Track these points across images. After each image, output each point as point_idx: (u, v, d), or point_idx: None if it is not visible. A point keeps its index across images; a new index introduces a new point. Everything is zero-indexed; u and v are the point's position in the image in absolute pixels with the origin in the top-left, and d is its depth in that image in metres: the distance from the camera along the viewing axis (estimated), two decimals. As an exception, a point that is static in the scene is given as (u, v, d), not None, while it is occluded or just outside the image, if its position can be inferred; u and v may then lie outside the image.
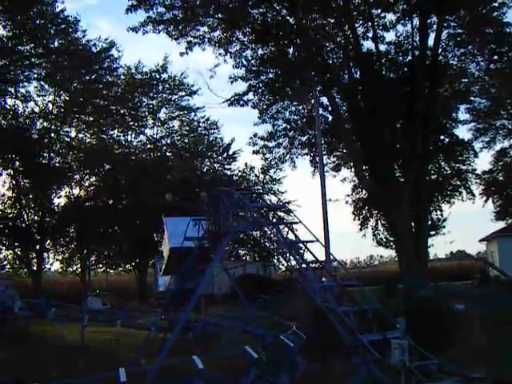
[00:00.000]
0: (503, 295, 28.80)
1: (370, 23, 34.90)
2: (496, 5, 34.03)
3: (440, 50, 35.54)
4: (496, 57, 36.84)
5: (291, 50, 34.90)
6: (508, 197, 63.84)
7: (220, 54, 34.80)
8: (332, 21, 34.67)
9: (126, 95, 55.17)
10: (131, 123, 58.82)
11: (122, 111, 56.75)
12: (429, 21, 34.47)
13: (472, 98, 46.47)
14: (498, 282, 43.23)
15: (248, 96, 35.95)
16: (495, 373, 11.68)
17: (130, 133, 59.97)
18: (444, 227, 47.54)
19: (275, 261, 52.02)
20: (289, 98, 37.04)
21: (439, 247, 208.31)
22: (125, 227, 56.12)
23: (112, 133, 59.16)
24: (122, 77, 56.07)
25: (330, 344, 13.94)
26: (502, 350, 15.33)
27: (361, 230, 48.44)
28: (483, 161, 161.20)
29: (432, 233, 45.13)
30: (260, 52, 34.83)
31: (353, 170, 40.67)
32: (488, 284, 43.54)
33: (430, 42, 34.77)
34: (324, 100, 35.91)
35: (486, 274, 48.75)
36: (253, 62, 34.93)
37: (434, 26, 34.49)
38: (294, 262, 15.07)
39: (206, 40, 34.68)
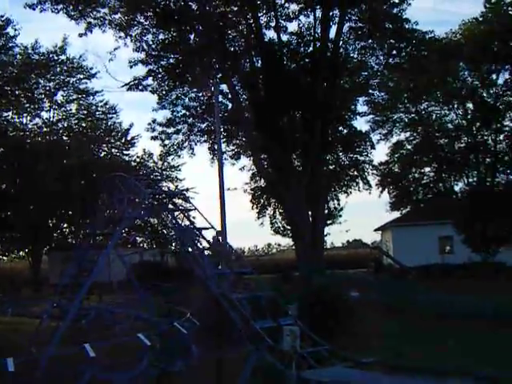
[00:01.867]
0: (396, 283, 29.60)
1: (273, 13, 35.00)
2: (396, 1, 34.90)
3: (341, 42, 36.11)
4: (395, 52, 37.78)
5: (193, 36, 34.61)
6: (403, 188, 65.75)
7: (120, 37, 34.17)
8: (235, 9, 34.55)
9: (21, 76, 53.25)
10: (27, 105, 56.87)
11: (17, 92, 54.79)
12: (331, 13, 34.90)
13: (371, 91, 47.38)
14: (391, 271, 44.48)
15: (147, 81, 35.56)
16: (387, 358, 11.91)
17: (25, 115, 58.03)
18: (340, 216, 48.51)
19: (172, 248, 51.76)
20: (189, 84, 36.69)
21: (336, 236, 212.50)
22: (18, 213, 54.32)
23: (6, 115, 57.07)
24: (18, 57, 54.10)
25: (224, 331, 13.90)
26: (393, 336, 15.70)
27: (258, 218, 48.78)
28: (380, 152, 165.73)
29: (329, 222, 45.96)
30: (161, 37, 34.44)
31: (251, 158, 40.73)
32: (382, 272, 44.72)
33: (332, 34, 35.30)
34: (224, 87, 35.90)
35: (381, 262, 50.08)
36: (153, 46, 34.48)
37: (336, 19, 34.99)
38: (189, 249, 14.96)
39: (107, 22, 33.97)
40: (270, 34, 36.64)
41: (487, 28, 63.00)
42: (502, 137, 67.43)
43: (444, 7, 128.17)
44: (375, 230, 58.22)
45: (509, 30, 60.73)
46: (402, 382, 8.43)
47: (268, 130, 33.83)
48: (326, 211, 43.14)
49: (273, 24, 35.12)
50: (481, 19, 64.95)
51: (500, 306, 17.76)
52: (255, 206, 48.89)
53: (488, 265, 39.27)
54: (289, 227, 42.34)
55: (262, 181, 43.93)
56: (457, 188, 66.98)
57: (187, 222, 16.28)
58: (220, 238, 21.52)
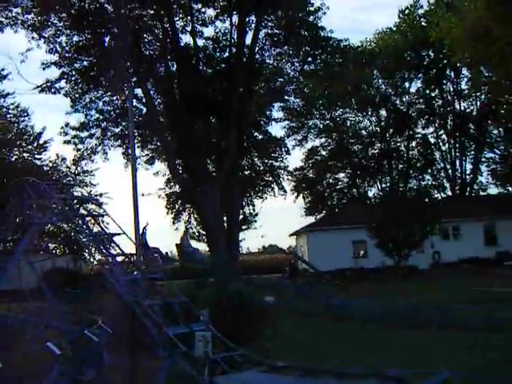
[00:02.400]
0: (310, 287, 29.88)
1: (189, 17, 34.93)
2: (312, 9, 35.38)
3: (257, 48, 36.33)
4: (310, 59, 38.25)
5: (107, 39, 34.14)
6: (317, 193, 66.64)
7: (33, 38, 33.31)
8: (151, 12, 34.30)
9: None
10: None
11: None
12: (247, 19, 35.07)
13: (286, 97, 47.76)
14: (306, 275, 44.94)
15: (60, 83, 34.79)
16: (300, 361, 11.98)
17: None
18: (256, 221, 48.78)
19: (85, 254, 50.78)
20: (103, 87, 36.13)
21: (252, 241, 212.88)
22: None
23: None
24: None
25: (137, 337, 13.71)
26: (307, 340, 15.82)
27: (174, 223, 48.49)
28: (295, 158, 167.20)
29: (244, 227, 46.11)
30: (75, 39, 33.80)
31: (166, 163, 40.42)
32: (297, 277, 45.12)
33: (248, 40, 35.46)
34: (139, 92, 35.50)
35: (296, 267, 50.53)
36: (67, 48, 33.79)
37: (253, 25, 35.19)
38: (101, 256, 14.72)
39: (19, 22, 33.09)
40: (186, 38, 36.61)
41: (401, 38, 64.78)
42: (414, 143, 69.42)
43: (360, 16, 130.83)
44: (290, 235, 58.72)
45: (421, 41, 62.55)
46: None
47: (183, 135, 33.68)
48: (242, 216, 43.29)
49: (189, 28, 35.14)
50: (395, 29, 66.75)
51: (404, 309, 18.19)
52: (170, 211, 48.62)
53: (400, 268, 40.18)
54: (204, 232, 42.23)
55: (177, 186, 43.70)
56: (370, 193, 68.55)
57: (99, 228, 15.98)
58: (187, 239, 22.57)
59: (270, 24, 36.45)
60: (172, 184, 46.19)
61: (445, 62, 62.68)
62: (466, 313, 16.76)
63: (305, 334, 16.93)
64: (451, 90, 68.56)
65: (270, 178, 49.87)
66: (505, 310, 16.15)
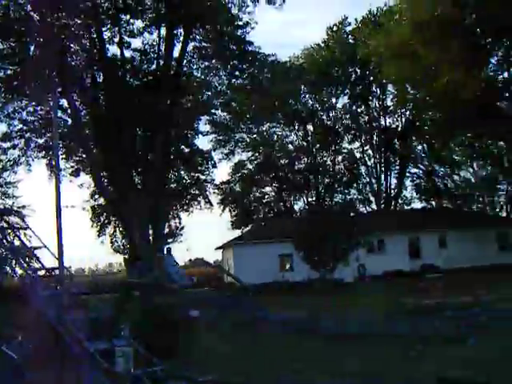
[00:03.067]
0: (235, 300, 29.80)
1: (117, 28, 34.54)
2: (241, 23, 35.53)
3: (185, 61, 36.24)
4: (238, 73, 38.37)
5: (32, 47, 33.38)
6: (244, 207, 66.80)
7: (-49, 46, 32.30)
8: (79, 22, 33.75)
9: None
10: None
11: None
12: (176, 31, 34.95)
13: (214, 111, 47.76)
14: (232, 288, 44.80)
15: (-18, 92, 33.87)
16: (224, 375, 11.92)
17: None
18: (182, 235, 48.53)
19: (6, 268, 49.31)
20: (27, 97, 35.32)
21: (178, 254, 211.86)
22: None
23: None
24: None
25: (58, 353, 13.37)
26: (232, 354, 15.74)
27: (99, 236, 47.80)
28: (222, 172, 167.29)
29: (170, 240, 45.80)
30: (-1, 46, 32.96)
31: (91, 175, 39.78)
32: (223, 290, 44.93)
33: (176, 53, 35.33)
34: (64, 102, 34.83)
35: (222, 280, 50.38)
36: (-11, 56, 32.91)
37: (181, 38, 35.07)
38: (21, 270, 14.32)
39: None
40: (114, 49, 36.22)
41: (328, 54, 65.81)
42: (340, 158, 70.47)
43: (289, 32, 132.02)
44: (217, 249, 58.55)
45: (348, 57, 63.72)
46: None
47: (108, 147, 33.23)
48: (167, 230, 42.98)
49: (116, 39, 34.66)
50: (323, 45, 67.78)
51: (327, 321, 18.34)
52: (95, 224, 47.92)
53: (326, 281, 40.51)
54: (128, 246, 41.71)
55: (102, 198, 43.04)
56: (297, 207, 69.16)
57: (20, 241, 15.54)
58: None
59: (198, 37, 36.43)
60: (97, 196, 45.55)
61: (371, 78, 64.03)
62: (388, 324, 17.00)
63: (229, 347, 16.86)
64: (377, 106, 70.03)
65: (197, 192, 49.73)
66: (426, 322, 16.46)
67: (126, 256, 40.28)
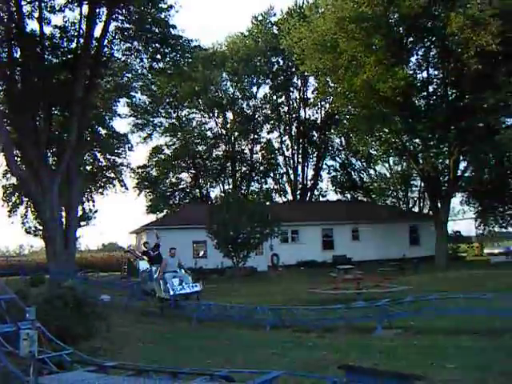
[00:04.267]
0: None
1: (37, 3, 33.42)
2: (164, 6, 35.00)
3: (106, 41, 35.45)
4: (159, 56, 37.84)
5: None
6: (160, 192, 66.32)
7: None
8: (-4, -7, 32.55)
9: None
10: None
11: None
12: (98, 10, 34.10)
13: (133, 94, 47.13)
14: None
15: None
16: (133, 360, 11.73)
17: None
18: (95, 218, 47.74)
19: None
20: None
21: (92, 238, 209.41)
22: None
23: None
24: None
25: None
26: (143, 339, 15.55)
27: (9, 217, 46.52)
28: (139, 155, 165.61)
29: (83, 223, 44.97)
30: None
31: (3, 153, 38.58)
32: (136, 275, 44.41)
33: (97, 32, 34.50)
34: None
35: (134, 265, 49.78)
36: None
37: (103, 17, 34.26)
38: None
39: None
40: (33, 24, 35.19)
41: (252, 43, 65.84)
42: (258, 147, 70.77)
43: (214, 19, 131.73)
44: (131, 233, 57.91)
45: (272, 47, 63.93)
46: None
47: (22, 125, 32.23)
48: (81, 213, 42.18)
49: (36, 14, 33.54)
50: (247, 34, 67.74)
51: (239, 309, 18.33)
52: (6, 203, 46.59)
53: (239, 269, 40.66)
54: (41, 227, 40.74)
55: (14, 178, 41.85)
56: (213, 194, 69.09)
57: None
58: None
59: (120, 17, 35.67)
60: (9, 176, 44.28)
61: (293, 69, 64.41)
62: (299, 314, 17.12)
63: (140, 333, 16.67)
64: (297, 97, 70.56)
65: (112, 175, 49.02)
66: (335, 312, 16.66)
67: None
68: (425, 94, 47.83)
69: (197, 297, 20.75)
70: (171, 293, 20.27)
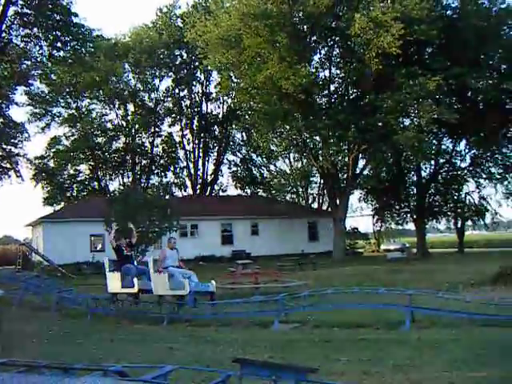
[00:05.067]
0: (43, 280, 28.71)
1: None
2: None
3: (4, 26, 34.29)
4: (59, 44, 36.91)
5: None
6: (57, 184, 64.75)
7: None
8: None
9: None
10: None
11: None
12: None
13: (31, 82, 45.78)
14: (40, 268, 43.27)
15: None
16: (25, 357, 11.32)
17: None
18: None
19: None
20: None
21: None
22: None
23: None
24: None
25: None
26: (38, 335, 15.06)
27: None
28: (36, 146, 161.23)
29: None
30: None
31: None
32: (30, 269, 43.27)
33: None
34: None
35: (29, 259, 48.44)
36: None
37: (1, 1, 33.12)
38: None
39: None
40: None
41: (156, 35, 65.10)
42: (159, 141, 70.18)
43: (119, 9, 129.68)
44: (26, 226, 56.30)
45: (176, 40, 63.41)
46: (29, 380, 8.00)
47: None
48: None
49: None
50: (151, 26, 66.92)
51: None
52: None
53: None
54: None
55: None
56: (111, 187, 68.01)
57: None
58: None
59: (20, 2, 34.58)
60: None
61: (196, 63, 64.17)
62: (197, 308, 17.07)
63: (33, 328, 16.14)
64: (200, 91, 70.36)
65: (8, 165, 47.46)
66: (233, 306, 16.69)
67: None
68: (326, 92, 48.69)
69: (211, 297, 17.43)
70: (188, 289, 16.95)
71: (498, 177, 59.45)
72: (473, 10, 48.09)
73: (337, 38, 46.64)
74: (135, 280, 17.58)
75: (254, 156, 72.75)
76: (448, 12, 49.99)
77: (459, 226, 63.99)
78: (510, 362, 9.31)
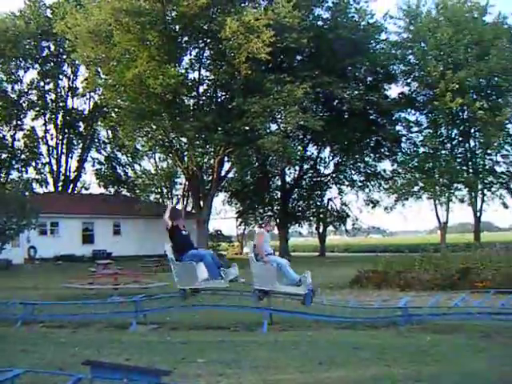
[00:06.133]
0: None
1: None
2: None
3: None
4: None
5: None
6: None
7: None
8: None
9: None
10: None
11: None
12: None
13: None
14: None
15: None
16: None
17: None
18: None
19: None
20: None
21: None
22: None
23: None
24: None
25: None
26: None
27: None
28: None
29: None
30: None
31: None
32: None
33: None
34: None
35: None
36: None
37: None
38: None
39: None
40: None
41: (22, 24, 62.64)
42: (20, 134, 67.69)
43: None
44: None
45: (44, 31, 61.34)
46: None
47: None
48: None
49: None
50: (18, 14, 64.31)
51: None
52: None
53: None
54: None
55: None
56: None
57: None
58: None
59: None
60: None
61: (64, 57, 62.49)
62: (53, 309, 16.61)
63: None
64: (66, 86, 68.58)
65: None
66: (90, 307, 16.39)
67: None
68: (195, 94, 48.72)
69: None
70: (307, 286, 13.83)
71: (360, 184, 62.06)
72: (343, 22, 49.86)
73: (208, 40, 46.79)
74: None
75: (119, 155, 71.65)
76: (319, 22, 51.57)
77: (321, 230, 66.06)
78: (361, 363, 9.65)
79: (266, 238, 14.62)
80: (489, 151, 57.34)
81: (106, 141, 71.14)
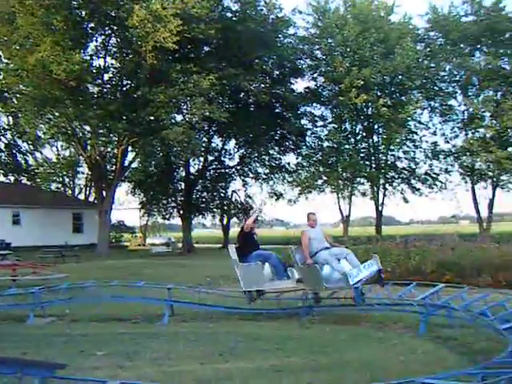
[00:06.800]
0: None
1: None
2: None
3: None
4: None
5: None
6: None
7: None
8: None
9: None
10: None
11: None
12: None
13: None
14: None
15: None
16: None
17: None
18: None
19: None
20: None
21: None
22: None
23: None
24: None
25: None
26: None
27: None
28: None
29: None
30: None
31: None
32: None
33: None
34: None
35: None
36: None
37: None
38: None
39: None
40: None
41: None
42: None
43: None
44: None
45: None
46: None
47: None
48: None
49: None
50: None
51: None
52: None
53: None
54: None
55: None
56: None
57: None
58: None
59: None
60: None
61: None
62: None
63: None
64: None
65: None
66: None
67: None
68: (99, 81, 47.79)
69: (379, 276, 13.51)
70: (351, 281, 12.89)
71: (264, 177, 62.57)
72: (252, 15, 50.03)
73: (115, 28, 45.92)
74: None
75: (19, 142, 69.47)
76: (228, 14, 51.49)
77: (225, 222, 66.24)
78: (262, 354, 9.70)
79: (311, 235, 14.06)
80: (391, 147, 59.03)
81: (6, 127, 68.82)
